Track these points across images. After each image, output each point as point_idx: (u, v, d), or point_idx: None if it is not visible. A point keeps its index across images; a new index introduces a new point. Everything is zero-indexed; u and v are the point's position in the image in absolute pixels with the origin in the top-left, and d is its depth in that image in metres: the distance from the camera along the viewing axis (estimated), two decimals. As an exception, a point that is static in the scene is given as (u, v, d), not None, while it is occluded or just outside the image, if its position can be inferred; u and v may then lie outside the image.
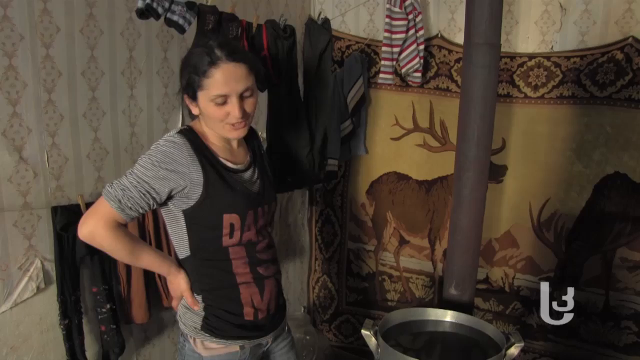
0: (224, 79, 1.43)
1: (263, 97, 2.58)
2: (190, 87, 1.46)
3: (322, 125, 2.50)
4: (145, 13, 1.71)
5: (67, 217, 1.71)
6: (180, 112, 2.12)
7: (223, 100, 1.44)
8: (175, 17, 1.77)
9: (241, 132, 1.51)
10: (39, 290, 1.73)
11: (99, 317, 1.85)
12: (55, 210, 1.72)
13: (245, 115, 1.47)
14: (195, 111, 1.52)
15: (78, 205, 1.75)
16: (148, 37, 1.99)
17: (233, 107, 1.44)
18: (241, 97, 1.46)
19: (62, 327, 1.77)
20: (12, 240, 1.65)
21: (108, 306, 1.85)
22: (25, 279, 1.69)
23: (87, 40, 1.77)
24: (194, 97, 1.47)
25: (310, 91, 2.47)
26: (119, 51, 1.89)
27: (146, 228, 1.95)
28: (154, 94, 2.05)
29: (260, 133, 2.64)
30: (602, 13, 2.38)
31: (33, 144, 1.66)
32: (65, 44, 1.70)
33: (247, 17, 2.09)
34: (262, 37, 2.10)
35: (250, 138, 1.68)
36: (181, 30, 1.79)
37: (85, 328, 1.85)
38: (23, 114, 1.62)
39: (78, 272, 1.80)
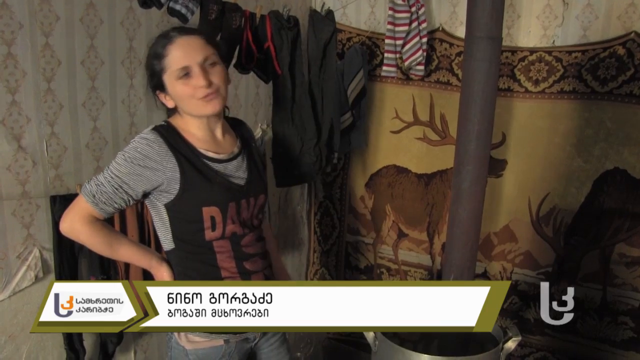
0: (182, 52, 1.42)
1: (264, 88, 2.57)
2: (155, 77, 1.46)
3: (328, 117, 2.47)
4: (148, 2, 1.70)
5: (65, 207, 1.68)
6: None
7: (186, 74, 1.42)
8: (178, 6, 1.76)
9: (215, 105, 1.46)
10: (37, 279, 1.73)
11: (97, 306, 1.86)
12: (53, 199, 1.72)
13: (212, 85, 1.44)
14: (170, 104, 1.49)
15: (77, 195, 1.74)
16: (148, 26, 1.98)
17: (197, 78, 1.42)
18: (204, 68, 1.44)
19: (60, 316, 1.77)
20: (11, 229, 1.65)
21: (106, 296, 1.85)
22: (24, 268, 1.69)
23: (86, 29, 1.76)
24: (162, 87, 1.46)
25: (315, 83, 2.45)
26: (119, 41, 1.88)
27: (145, 218, 1.95)
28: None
29: (260, 124, 2.64)
30: (604, 8, 2.37)
31: (32, 133, 1.66)
32: (64, 33, 1.70)
33: (250, 8, 2.08)
34: (265, 27, 2.09)
35: (237, 127, 1.66)
36: (184, 19, 1.78)
37: (84, 317, 1.85)
38: (22, 103, 1.61)
39: (76, 261, 1.80)
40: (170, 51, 1.42)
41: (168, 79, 1.44)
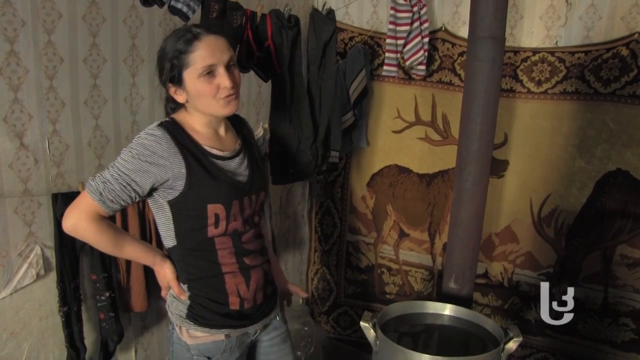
0: (209, 50, 1.43)
1: (266, 87, 2.57)
2: (174, 70, 1.45)
3: (325, 117, 2.49)
4: (149, 0, 1.70)
5: (67, 205, 1.68)
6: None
7: (211, 73, 1.44)
8: (179, 5, 1.76)
9: (234, 106, 1.50)
10: (38, 277, 1.73)
11: (98, 304, 1.86)
12: (55, 197, 1.72)
13: (235, 86, 1.48)
14: (181, 99, 1.49)
15: (78, 193, 1.73)
16: (151, 25, 1.98)
17: (222, 78, 1.44)
18: (229, 69, 1.47)
19: (61, 314, 1.77)
20: (13, 227, 1.65)
21: (107, 294, 1.85)
22: (25, 265, 1.69)
23: (89, 27, 1.76)
24: (179, 82, 1.46)
25: (314, 82, 2.46)
26: (122, 39, 1.88)
27: (146, 216, 1.95)
28: (156, 83, 2.03)
29: (262, 124, 2.64)
30: (608, 8, 2.36)
31: (34, 131, 1.65)
32: (67, 31, 1.69)
33: (251, 7, 2.08)
34: (266, 26, 2.09)
35: (238, 125, 1.67)
36: (185, 18, 1.78)
37: (84, 315, 1.85)
38: (24, 100, 1.61)
39: (78, 259, 1.80)
40: (197, 48, 1.42)
41: (189, 74, 1.44)
